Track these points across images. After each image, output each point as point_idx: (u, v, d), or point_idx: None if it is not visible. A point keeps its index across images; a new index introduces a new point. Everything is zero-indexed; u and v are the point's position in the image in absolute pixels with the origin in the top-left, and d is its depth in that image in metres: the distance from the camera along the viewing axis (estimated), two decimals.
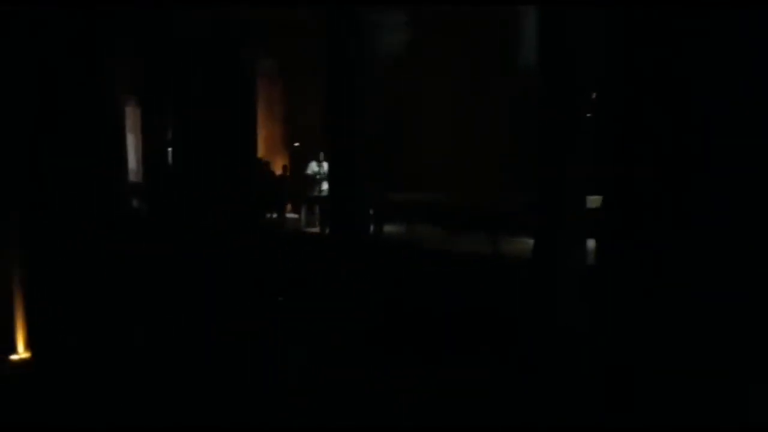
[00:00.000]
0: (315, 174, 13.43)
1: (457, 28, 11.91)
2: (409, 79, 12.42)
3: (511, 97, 11.05)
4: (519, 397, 7.89)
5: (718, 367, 6.51)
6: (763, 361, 6.36)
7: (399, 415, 8.76)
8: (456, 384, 8.32)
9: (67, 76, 13.41)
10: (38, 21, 13.27)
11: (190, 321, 12.15)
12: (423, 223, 10.83)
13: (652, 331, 6.97)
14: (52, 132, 13.52)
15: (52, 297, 13.95)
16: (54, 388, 13.24)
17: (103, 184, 13.91)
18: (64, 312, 13.58)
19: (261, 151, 14.37)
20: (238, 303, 11.66)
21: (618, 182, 7.52)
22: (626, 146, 7.39)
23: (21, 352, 15.66)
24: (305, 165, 14.33)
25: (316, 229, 12.99)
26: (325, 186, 12.84)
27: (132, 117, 17.82)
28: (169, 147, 14.38)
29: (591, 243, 8.07)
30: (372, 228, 11.24)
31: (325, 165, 12.81)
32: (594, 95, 8.52)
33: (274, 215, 13.66)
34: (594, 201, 7.94)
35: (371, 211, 11.17)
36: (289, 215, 14.49)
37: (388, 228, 11.31)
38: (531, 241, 8.40)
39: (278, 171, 14.43)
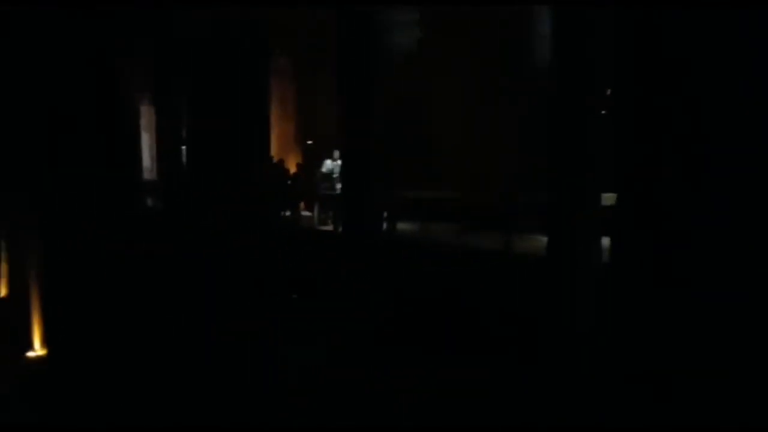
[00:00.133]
0: (330, 172, 13.46)
1: (470, 26, 11.88)
2: (422, 77, 12.40)
3: (525, 95, 11.01)
4: (532, 396, 7.87)
5: (727, 366, 6.48)
6: None
7: (405, 414, 8.79)
8: (469, 384, 8.31)
9: (83, 77, 13.52)
10: (53, 23, 13.39)
11: (201, 319, 12.22)
12: (436, 220, 10.80)
13: (668, 330, 6.93)
14: (69, 133, 13.63)
15: (67, 295, 14.09)
16: (67, 384, 13.38)
17: (118, 184, 14.02)
18: (79, 310, 13.71)
19: (274, 149, 14.40)
20: (250, 301, 11.71)
21: (631, 181, 7.50)
22: (637, 146, 7.36)
23: (37, 349, 15.87)
24: (318, 163, 14.35)
25: (330, 227, 13.01)
26: (339, 184, 12.88)
27: (146, 116, 17.94)
28: (183, 146, 14.45)
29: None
30: (385, 226, 11.24)
31: (340, 163, 12.84)
32: (608, 92, 8.48)
33: (288, 213, 13.69)
34: (609, 198, 7.90)
35: (384, 209, 11.17)
36: (304, 213, 14.52)
37: (401, 226, 11.30)
38: (545, 239, 8.37)
39: (292, 169, 14.47)
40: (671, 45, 6.94)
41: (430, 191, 11.46)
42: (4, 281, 16.98)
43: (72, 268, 13.67)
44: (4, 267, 16.88)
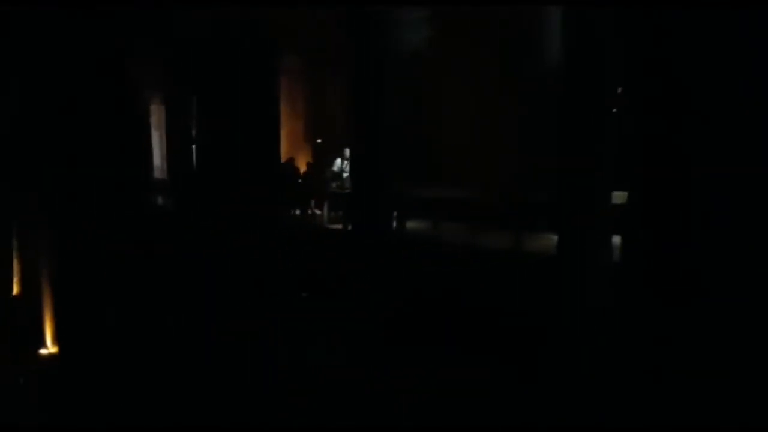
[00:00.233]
0: (341, 171, 13.47)
1: (481, 23, 11.84)
2: (431, 75, 12.37)
3: (535, 94, 10.97)
4: (541, 396, 7.87)
5: (735, 366, 6.46)
6: None
7: (413, 414, 8.79)
8: (477, 384, 8.31)
9: (94, 77, 13.59)
10: (64, 23, 13.46)
11: (210, 316, 12.28)
12: (446, 219, 10.79)
13: (677, 329, 6.91)
14: (80, 133, 13.72)
15: (78, 294, 14.19)
16: (78, 382, 13.47)
17: (129, 184, 14.09)
18: (90, 308, 13.80)
19: (284, 148, 14.41)
20: (259, 299, 11.74)
21: (641, 180, 7.47)
22: (647, 145, 7.34)
23: (49, 347, 15.99)
24: (327, 161, 14.36)
25: (340, 226, 13.01)
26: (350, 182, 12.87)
27: (156, 114, 17.99)
28: (193, 144, 14.50)
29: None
30: (394, 224, 11.23)
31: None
32: (619, 90, 8.44)
33: (297, 212, 13.70)
34: (620, 197, 7.86)
35: (394, 208, 11.16)
36: (316, 212, 14.50)
37: (411, 224, 11.29)
38: (555, 238, 8.34)
39: (302, 168, 14.47)
40: (680, 44, 6.91)
41: (439, 190, 11.44)
42: (16, 280, 17.11)
43: (83, 267, 13.77)
44: (17, 266, 17.01)
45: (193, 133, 14.49)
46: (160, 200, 16.50)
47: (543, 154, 10.00)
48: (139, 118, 15.34)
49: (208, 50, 13.23)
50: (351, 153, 12.42)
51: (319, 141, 16.22)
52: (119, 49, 14.05)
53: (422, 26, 11.17)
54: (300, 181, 14.01)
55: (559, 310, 7.94)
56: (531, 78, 11.21)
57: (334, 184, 13.55)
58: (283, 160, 14.06)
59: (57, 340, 15.79)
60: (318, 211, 13.48)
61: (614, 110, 8.15)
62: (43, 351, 15.96)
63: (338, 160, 13.66)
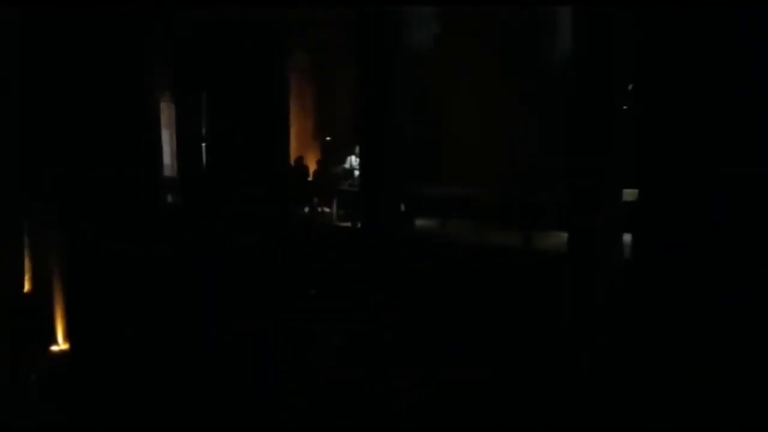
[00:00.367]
0: (353, 168, 13.44)
1: (488, 21, 11.81)
2: (440, 73, 12.34)
3: (544, 92, 10.94)
4: (549, 394, 7.84)
5: (741, 365, 6.42)
6: None
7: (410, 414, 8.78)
8: (482, 384, 8.29)
9: (103, 76, 13.65)
10: (73, 21, 13.53)
11: (221, 314, 12.31)
12: (455, 217, 10.76)
13: (685, 327, 6.87)
14: (90, 132, 13.78)
15: (89, 292, 14.26)
16: (89, 378, 13.53)
17: (139, 182, 14.14)
18: (101, 306, 13.87)
19: (293, 146, 14.41)
20: (266, 297, 11.76)
21: (651, 178, 7.42)
22: (657, 144, 7.29)
23: (60, 343, 16.09)
24: (336, 159, 14.35)
25: (349, 224, 12.98)
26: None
27: (166, 112, 18.03)
28: (203, 143, 14.53)
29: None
30: (403, 222, 11.20)
31: None
32: (630, 87, 8.39)
33: (306, 209, 13.69)
34: (631, 194, 7.82)
35: (402, 205, 11.14)
36: (324, 210, 14.49)
37: (419, 222, 11.26)
38: (564, 235, 8.30)
39: (312, 166, 14.46)
40: (690, 42, 6.86)
41: (448, 188, 11.42)
42: (27, 277, 17.22)
43: (94, 264, 13.83)
44: (28, 263, 17.12)
45: (203, 131, 14.52)
46: (170, 198, 16.54)
47: (552, 152, 9.97)
48: (149, 116, 15.38)
49: (217, 48, 13.26)
50: (360, 151, 12.41)
51: (328, 139, 16.22)
52: (129, 47, 14.09)
53: (430, 23, 11.14)
54: (310, 179, 14.01)
55: (569, 308, 7.91)
56: (540, 76, 11.18)
57: (347, 183, 13.52)
58: (292, 157, 14.07)
59: (68, 337, 15.88)
60: (327, 209, 13.46)
61: (624, 107, 8.11)
62: (54, 348, 16.06)
63: (351, 157, 13.62)
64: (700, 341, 6.72)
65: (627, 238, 7.82)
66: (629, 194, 7.94)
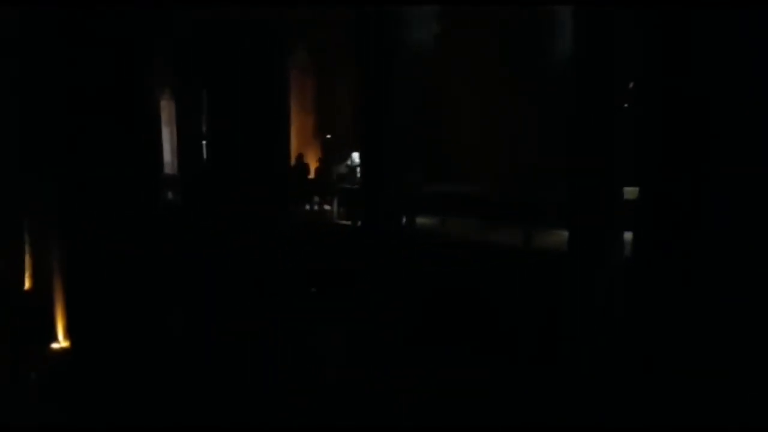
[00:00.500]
0: (357, 166, 13.40)
1: (489, 20, 11.80)
2: (440, 72, 12.32)
3: (546, 91, 10.93)
4: (550, 393, 7.84)
5: (743, 364, 6.42)
6: None
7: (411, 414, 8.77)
8: (482, 383, 8.29)
9: (104, 74, 13.63)
10: (75, 20, 13.51)
11: (216, 314, 12.31)
12: (456, 215, 10.75)
13: (686, 327, 6.87)
14: (90, 130, 13.76)
15: (89, 289, 14.25)
16: (89, 376, 13.53)
17: (139, 181, 14.13)
18: (101, 304, 13.87)
19: (293, 144, 14.42)
20: (267, 295, 11.76)
21: (651, 177, 7.41)
22: (657, 143, 7.28)
23: (61, 341, 16.10)
24: (336, 157, 14.34)
25: (349, 221, 12.98)
26: None
27: (167, 110, 18.04)
28: (204, 140, 14.53)
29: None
30: (404, 220, 11.20)
31: None
32: (630, 85, 8.37)
33: (307, 207, 13.69)
34: (632, 193, 7.80)
35: (404, 203, 11.12)
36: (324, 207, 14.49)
37: (420, 220, 11.25)
38: (565, 234, 8.29)
39: (313, 164, 14.45)
40: (692, 41, 6.85)
41: (450, 186, 11.40)
42: (28, 274, 17.24)
43: (94, 262, 13.82)
44: (28, 260, 17.14)
45: (204, 129, 14.52)
46: (170, 196, 16.55)
47: (553, 151, 9.95)
48: (149, 115, 15.37)
49: (218, 47, 13.25)
50: (360, 149, 12.39)
51: (328, 137, 16.22)
52: (130, 47, 14.08)
53: (430, 25, 11.11)
54: (310, 176, 14.00)
55: (569, 307, 7.90)
56: (541, 75, 11.17)
57: (348, 180, 13.49)
58: (293, 156, 14.06)
59: (68, 334, 15.89)
60: (327, 207, 13.45)
61: (626, 105, 8.09)
62: (54, 345, 16.07)
63: (355, 155, 13.58)
64: (700, 341, 6.72)
65: (627, 237, 7.82)
66: (629, 193, 7.92)
